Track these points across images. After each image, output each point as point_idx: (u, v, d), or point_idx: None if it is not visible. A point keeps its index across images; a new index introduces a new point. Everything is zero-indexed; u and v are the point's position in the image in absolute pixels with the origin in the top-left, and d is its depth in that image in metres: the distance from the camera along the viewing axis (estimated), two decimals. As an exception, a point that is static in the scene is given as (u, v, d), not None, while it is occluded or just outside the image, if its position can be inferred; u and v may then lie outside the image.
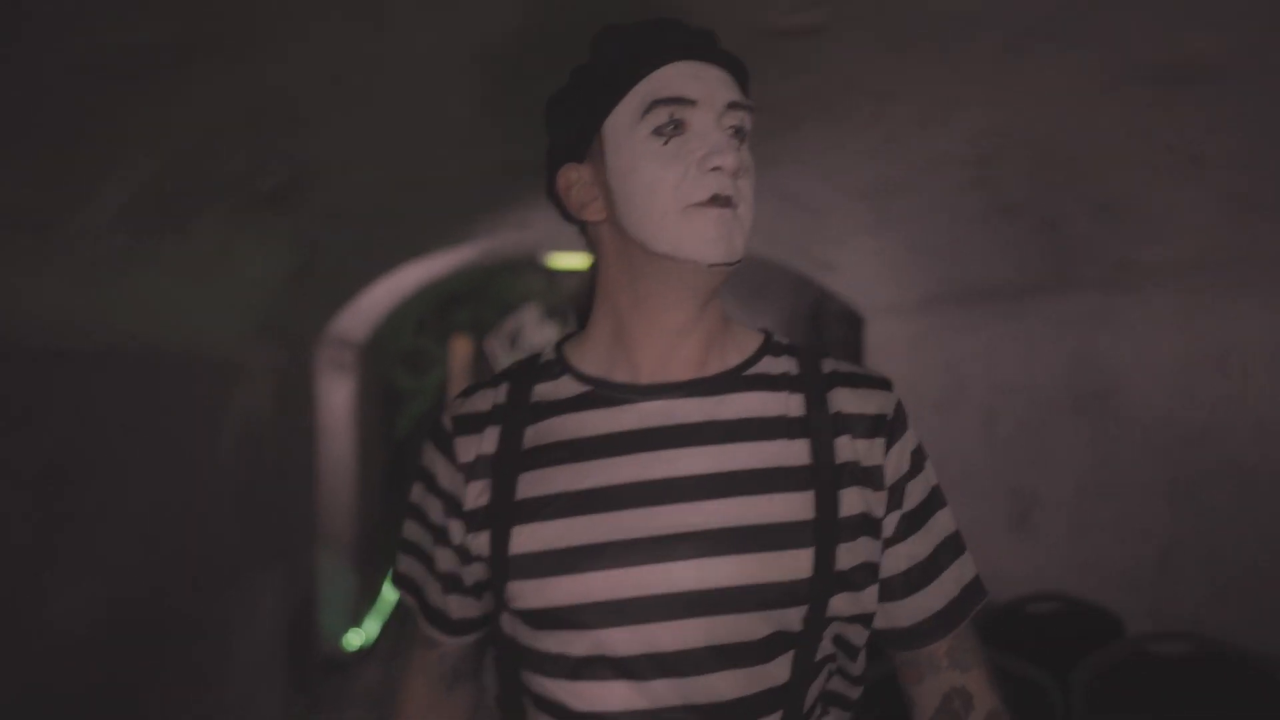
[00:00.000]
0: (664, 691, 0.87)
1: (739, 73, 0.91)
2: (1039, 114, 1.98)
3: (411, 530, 1.01)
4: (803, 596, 0.87)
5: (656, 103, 0.85)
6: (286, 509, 3.71)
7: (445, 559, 0.97)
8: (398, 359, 7.08)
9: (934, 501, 0.94)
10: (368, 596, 5.92)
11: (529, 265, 6.32)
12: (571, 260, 5.74)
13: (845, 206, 3.20)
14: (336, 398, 5.30)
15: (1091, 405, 2.72)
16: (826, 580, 0.88)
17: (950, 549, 0.95)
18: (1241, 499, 2.22)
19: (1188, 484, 2.36)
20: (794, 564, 0.87)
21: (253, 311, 2.64)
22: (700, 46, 0.89)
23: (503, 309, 6.96)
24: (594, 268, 0.97)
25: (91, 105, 1.24)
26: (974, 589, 0.96)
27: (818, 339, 5.81)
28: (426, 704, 1.04)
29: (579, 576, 0.88)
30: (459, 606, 0.98)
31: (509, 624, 0.92)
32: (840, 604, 0.89)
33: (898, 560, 0.93)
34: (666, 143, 0.85)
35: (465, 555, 0.95)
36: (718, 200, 0.85)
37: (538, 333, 6.67)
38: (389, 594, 6.24)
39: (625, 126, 0.87)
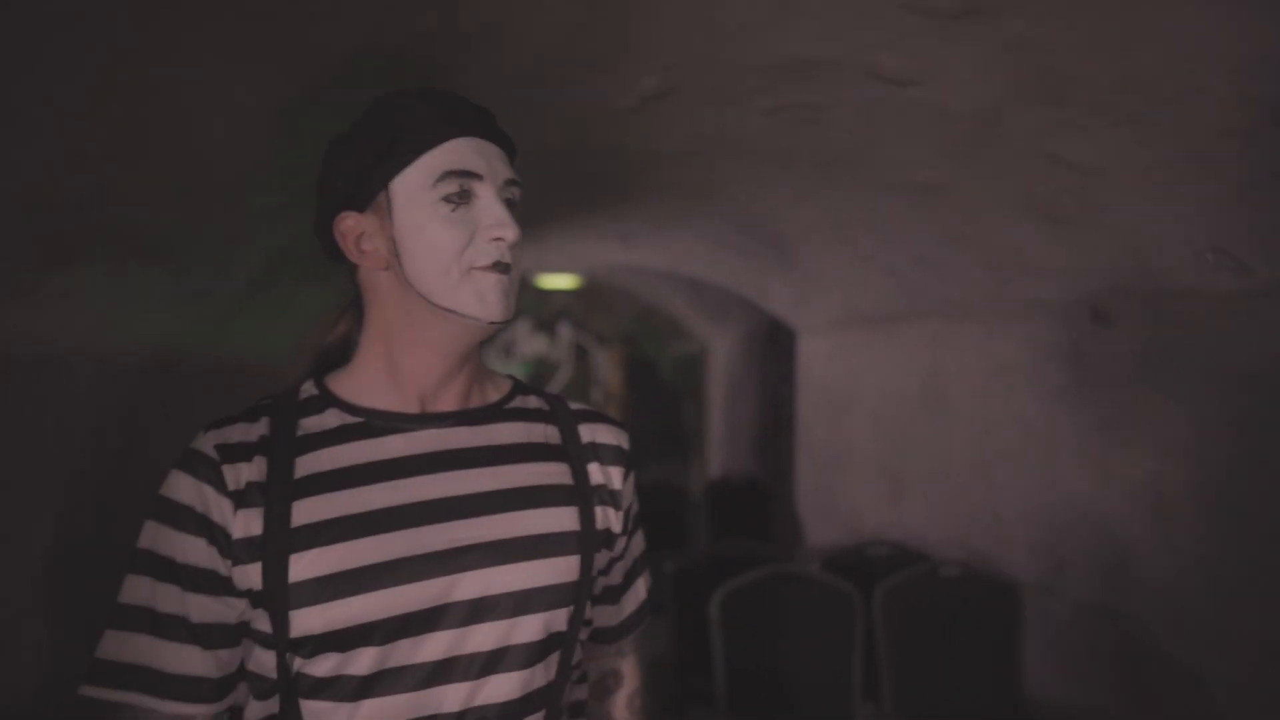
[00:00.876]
0: (448, 699, 0.88)
1: (512, 151, 0.99)
2: (849, 204, 2.86)
3: (141, 591, 0.87)
4: (570, 598, 0.94)
5: (449, 173, 0.91)
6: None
7: (203, 608, 0.88)
8: (408, 366, 7.80)
9: (638, 525, 1.11)
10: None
11: (521, 285, 7.13)
12: (555, 281, 6.59)
13: (762, 251, 4.06)
14: (357, 400, 6.09)
15: (934, 406, 3.58)
16: (588, 584, 0.96)
17: (643, 564, 1.13)
18: (1014, 476, 3.08)
19: (983, 465, 3.23)
20: (567, 569, 0.94)
21: (304, 336, 3.53)
22: (486, 125, 0.96)
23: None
24: (356, 308, 1.00)
25: (236, 236, 2.13)
26: (648, 602, 1.14)
27: (774, 347, 6.65)
28: None
29: (368, 595, 0.86)
30: (223, 662, 0.89)
31: (276, 658, 0.88)
32: (588, 606, 0.99)
33: (617, 573, 1.08)
34: (454, 209, 0.91)
35: (234, 593, 0.88)
36: (498, 266, 0.92)
37: (528, 343, 7.46)
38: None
39: (416, 189, 0.91)
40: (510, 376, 1.07)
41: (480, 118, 0.96)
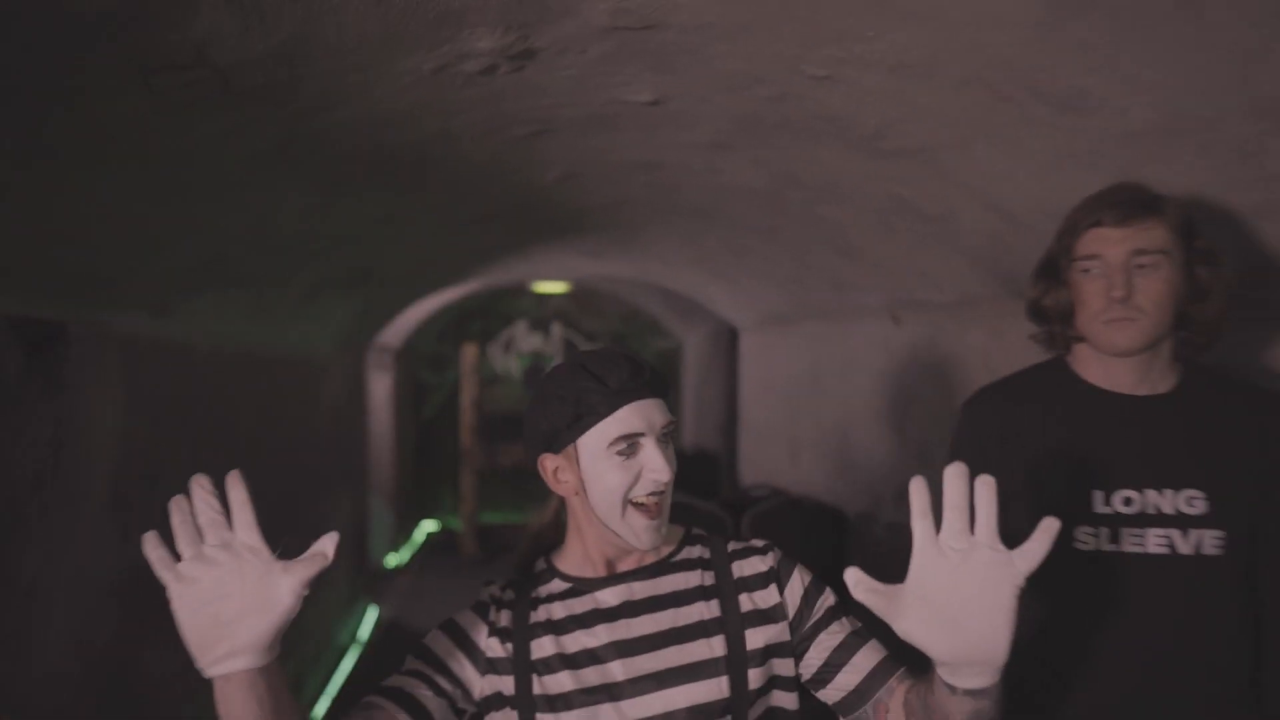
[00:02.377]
0: None
1: (666, 392, 1.26)
2: (727, 239, 3.94)
3: (417, 665, 1.24)
4: (722, 709, 1.22)
5: (621, 437, 1.20)
6: (352, 460, 5.71)
7: (445, 683, 1.23)
8: (424, 360, 8.63)
9: (838, 610, 1.29)
10: (401, 532, 7.76)
11: (520, 290, 8.31)
12: (550, 287, 7.72)
13: (691, 266, 5.13)
14: (379, 388, 6.96)
15: (816, 387, 4.65)
16: (741, 695, 1.22)
17: (860, 636, 1.27)
18: (857, 437, 4.14)
19: (841, 430, 4.30)
20: (718, 688, 1.22)
21: (337, 335, 4.66)
22: (647, 386, 1.23)
23: (502, 322, 8.73)
24: (561, 504, 1.34)
25: (291, 271, 3.24)
26: (893, 657, 1.25)
27: (734, 343, 7.71)
28: None
29: (578, 711, 1.21)
30: (428, 706, 1.20)
31: None
32: (758, 710, 1.24)
33: (822, 651, 1.26)
34: (625, 459, 1.20)
35: (462, 688, 1.24)
36: (654, 495, 1.21)
37: (525, 340, 8.61)
38: (417, 532, 8.23)
39: (595, 448, 1.21)
40: (684, 527, 1.36)
41: (643, 382, 1.23)
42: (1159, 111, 1.58)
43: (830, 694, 1.26)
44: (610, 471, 1.20)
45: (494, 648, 1.25)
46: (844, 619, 1.29)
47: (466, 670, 1.25)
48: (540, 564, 1.34)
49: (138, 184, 2.01)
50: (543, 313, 8.62)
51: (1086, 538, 1.38)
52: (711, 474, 6.37)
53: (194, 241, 2.49)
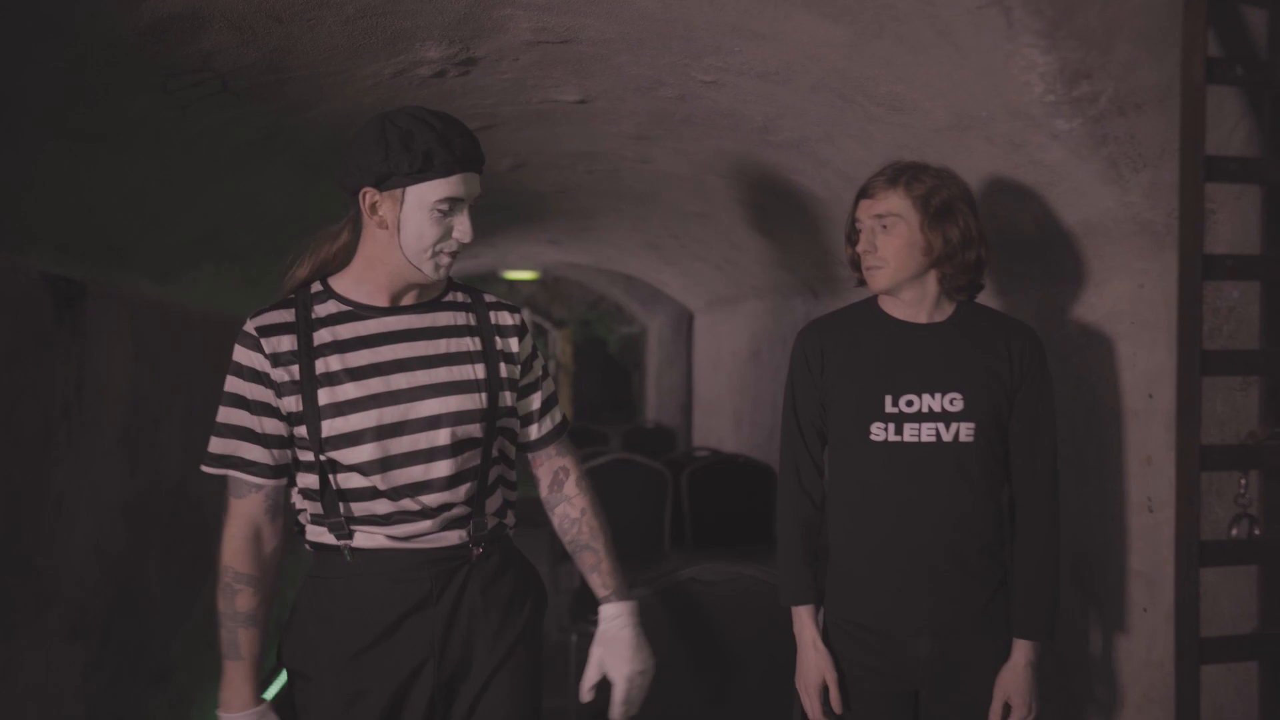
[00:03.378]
0: (414, 474, 1.45)
1: (482, 168, 1.48)
2: (668, 224, 4.38)
3: (229, 415, 1.44)
4: (481, 417, 1.49)
5: (448, 199, 1.40)
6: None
7: (268, 425, 1.42)
8: (402, 344, 9.32)
9: (546, 374, 1.63)
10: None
11: (492, 276, 8.76)
12: (518, 275, 8.16)
13: (643, 252, 5.57)
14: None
15: (754, 361, 5.11)
16: (494, 408, 1.51)
17: (553, 400, 1.64)
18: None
19: (773, 397, 4.75)
20: (478, 400, 1.49)
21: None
22: (476, 159, 1.44)
23: (475, 308, 9.22)
24: (354, 231, 1.49)
25: (276, 248, 3.67)
26: (565, 420, 1.66)
27: (694, 327, 8.16)
28: (253, 533, 1.44)
29: (366, 413, 1.42)
30: (277, 456, 1.43)
31: (314, 451, 1.42)
32: (501, 421, 1.53)
33: (530, 403, 1.60)
34: (443, 216, 1.40)
35: (280, 416, 1.41)
36: (453, 254, 1.45)
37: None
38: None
39: (423, 199, 1.39)
40: (451, 279, 1.57)
41: (474, 154, 1.43)
42: (952, 112, 2.04)
43: (520, 435, 1.63)
44: (429, 224, 1.41)
45: (279, 374, 1.44)
46: (548, 381, 1.64)
47: (271, 398, 1.45)
48: (316, 285, 1.50)
49: (148, 168, 2.44)
50: (514, 300, 9.09)
51: (879, 431, 1.83)
52: (669, 445, 6.83)
53: (193, 219, 2.92)
